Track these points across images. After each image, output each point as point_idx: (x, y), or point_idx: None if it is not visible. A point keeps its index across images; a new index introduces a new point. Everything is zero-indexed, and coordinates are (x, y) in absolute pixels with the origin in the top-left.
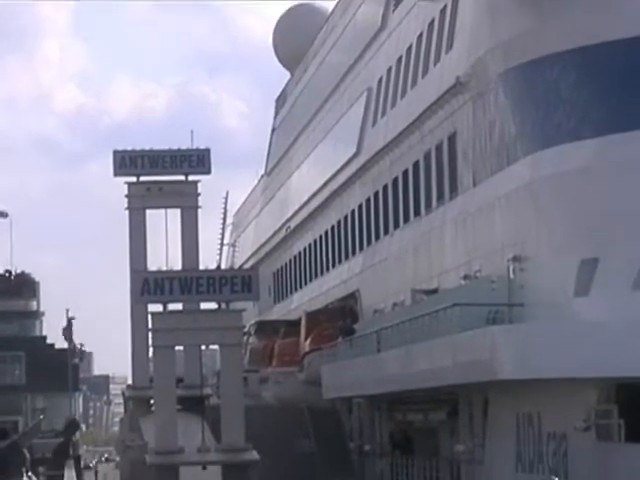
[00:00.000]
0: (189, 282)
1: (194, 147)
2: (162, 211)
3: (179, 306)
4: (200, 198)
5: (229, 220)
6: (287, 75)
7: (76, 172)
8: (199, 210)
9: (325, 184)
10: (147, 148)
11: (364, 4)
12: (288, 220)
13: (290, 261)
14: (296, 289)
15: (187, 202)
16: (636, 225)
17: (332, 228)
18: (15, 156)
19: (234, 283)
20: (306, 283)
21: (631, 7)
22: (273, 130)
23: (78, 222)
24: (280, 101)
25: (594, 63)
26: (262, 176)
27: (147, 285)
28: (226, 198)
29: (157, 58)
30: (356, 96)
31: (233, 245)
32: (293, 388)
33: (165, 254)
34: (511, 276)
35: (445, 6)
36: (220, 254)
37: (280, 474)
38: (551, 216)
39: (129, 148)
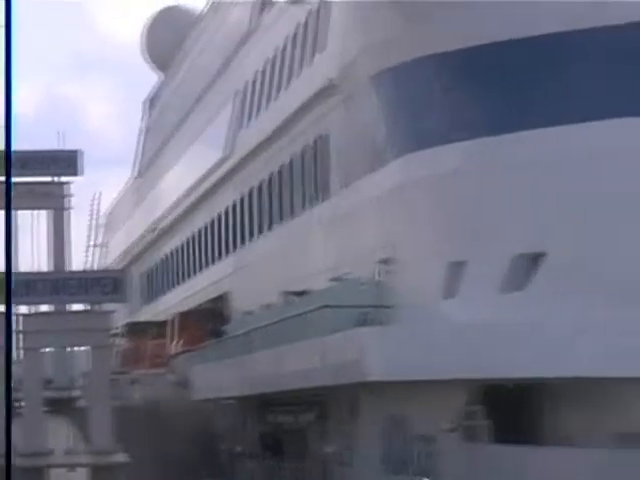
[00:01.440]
0: (59, 284)
1: (64, 149)
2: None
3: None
4: (72, 200)
5: (101, 221)
6: (156, 77)
7: None
8: (71, 211)
9: (196, 185)
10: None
11: (234, 6)
12: (159, 221)
13: (161, 262)
14: (167, 290)
15: (57, 204)
16: (503, 228)
17: (203, 229)
18: None
19: (104, 285)
20: (177, 284)
21: (501, 11)
22: (144, 131)
23: None
24: (151, 103)
25: (465, 66)
26: (134, 177)
27: (16, 286)
28: (97, 199)
29: (24, 57)
30: (227, 98)
31: (104, 246)
32: (163, 390)
33: (34, 255)
34: (380, 278)
35: (316, 8)
36: (91, 255)
37: (150, 476)
38: (420, 219)
39: None
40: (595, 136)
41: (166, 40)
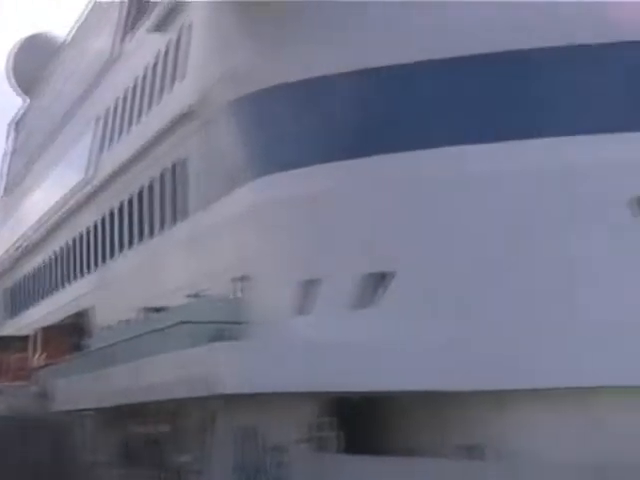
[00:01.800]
0: None
1: None
2: None
3: None
4: None
5: None
6: (21, 101)
7: None
8: None
9: (59, 205)
10: None
11: (97, 34)
12: (23, 239)
13: (25, 279)
14: (31, 306)
15: None
16: (353, 248)
17: (66, 248)
18: None
19: None
20: (41, 300)
21: (350, 43)
22: (10, 153)
23: None
24: (17, 126)
25: (319, 94)
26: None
27: None
28: None
29: None
30: (89, 123)
31: None
32: (26, 401)
33: None
34: (236, 296)
35: (177, 37)
36: None
37: None
38: (274, 238)
39: None
40: (434, 163)
41: (31, 65)
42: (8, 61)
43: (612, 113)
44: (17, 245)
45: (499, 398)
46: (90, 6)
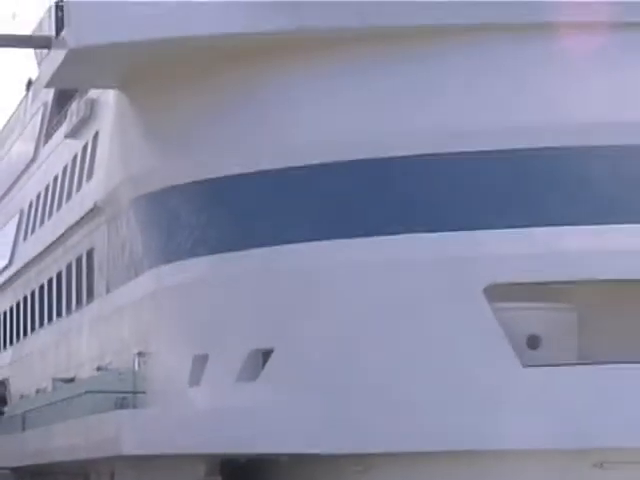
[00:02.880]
0: None
1: None
2: None
3: None
4: None
5: None
6: None
7: None
8: None
9: None
10: None
11: (20, 137)
12: None
13: None
14: None
15: None
16: (239, 328)
17: None
18: None
19: None
20: None
21: (233, 149)
22: None
23: None
24: None
25: (208, 195)
26: None
27: None
28: None
29: None
30: (11, 216)
31: None
32: None
33: None
34: (136, 369)
35: (87, 142)
36: None
37: None
38: (170, 319)
39: None
40: (286, 257)
41: None
42: None
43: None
44: None
45: (364, 459)
46: (17, 109)
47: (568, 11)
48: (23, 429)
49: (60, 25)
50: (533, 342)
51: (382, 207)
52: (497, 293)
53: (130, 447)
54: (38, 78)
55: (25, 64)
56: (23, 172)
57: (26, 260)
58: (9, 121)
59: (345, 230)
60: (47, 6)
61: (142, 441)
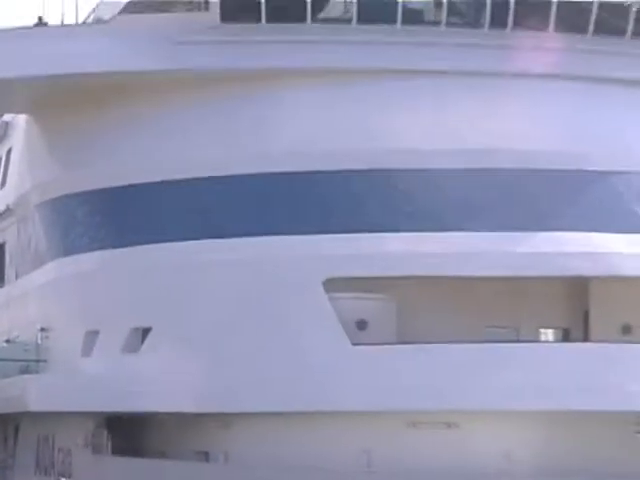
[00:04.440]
0: None
1: None
2: None
3: None
4: None
5: None
6: None
7: None
8: None
9: None
10: None
11: None
12: None
13: None
14: None
15: None
16: (122, 311)
17: None
18: None
19: None
20: None
21: (116, 166)
22: None
23: None
24: None
25: (98, 201)
26: None
27: None
28: None
29: None
30: None
31: None
32: None
33: None
34: (39, 342)
35: (1, 157)
36: None
37: None
38: (68, 301)
39: None
40: (176, 252)
41: None
42: None
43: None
44: None
45: (226, 418)
46: None
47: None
48: None
49: None
50: (361, 325)
51: (239, 215)
52: (333, 285)
53: (34, 405)
54: None
55: None
56: None
57: None
58: None
59: (209, 232)
60: None
61: (43, 400)
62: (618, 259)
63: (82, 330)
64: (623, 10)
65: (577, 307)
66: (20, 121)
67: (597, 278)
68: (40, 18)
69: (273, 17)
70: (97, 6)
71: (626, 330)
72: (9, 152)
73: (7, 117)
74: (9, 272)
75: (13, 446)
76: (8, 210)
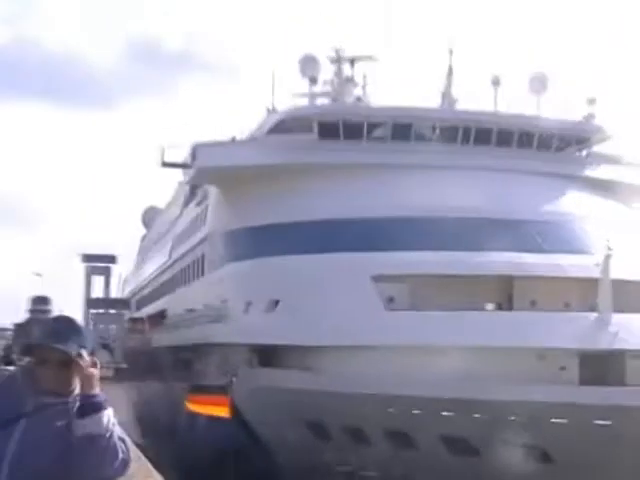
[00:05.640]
0: None
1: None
2: None
3: None
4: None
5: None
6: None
7: None
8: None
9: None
10: None
11: (169, 209)
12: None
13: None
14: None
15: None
16: (266, 290)
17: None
18: None
19: None
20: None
21: None
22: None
23: None
24: (142, 240)
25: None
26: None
27: None
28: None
29: None
30: (167, 242)
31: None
32: None
33: None
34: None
35: (205, 208)
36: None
37: None
38: (236, 286)
39: None
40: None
41: (148, 218)
42: (143, 217)
43: None
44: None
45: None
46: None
47: None
48: None
49: (194, 158)
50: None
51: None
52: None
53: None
54: (182, 182)
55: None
56: (172, 225)
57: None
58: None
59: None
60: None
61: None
62: (529, 266)
63: (243, 301)
64: (529, 137)
65: (506, 292)
66: (212, 189)
67: (518, 276)
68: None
69: (346, 136)
70: (264, 121)
71: (533, 304)
72: (206, 206)
73: (206, 187)
74: (205, 270)
75: None
76: (205, 237)
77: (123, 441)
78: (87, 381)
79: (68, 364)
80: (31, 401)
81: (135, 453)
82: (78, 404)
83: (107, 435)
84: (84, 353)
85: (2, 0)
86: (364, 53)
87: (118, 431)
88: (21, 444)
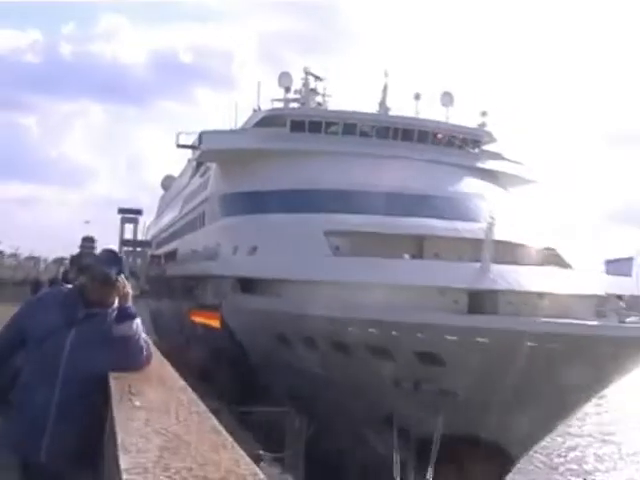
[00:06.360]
0: None
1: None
2: None
3: None
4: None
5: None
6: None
7: None
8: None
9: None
10: None
11: (182, 176)
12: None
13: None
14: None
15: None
16: (247, 238)
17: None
18: None
19: None
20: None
21: None
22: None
23: None
24: (162, 198)
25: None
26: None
27: None
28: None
29: None
30: (176, 204)
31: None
32: None
33: None
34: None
35: (207, 178)
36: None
37: None
38: (226, 234)
39: None
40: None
41: (166, 184)
42: (162, 182)
43: None
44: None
45: (276, 281)
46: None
47: None
48: None
49: (200, 142)
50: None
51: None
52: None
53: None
54: (191, 159)
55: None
56: (183, 189)
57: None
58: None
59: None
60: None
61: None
62: (436, 229)
63: (232, 245)
64: (439, 137)
65: (418, 246)
66: (213, 166)
67: (427, 235)
68: None
69: (310, 130)
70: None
71: (436, 255)
72: (208, 177)
73: (208, 164)
74: (205, 222)
75: None
76: (206, 198)
77: (146, 342)
78: (123, 296)
79: (111, 283)
80: (82, 310)
81: (154, 350)
82: (116, 313)
83: (136, 337)
84: (121, 276)
85: (68, 22)
86: (319, 73)
87: (143, 334)
88: (75, 342)
